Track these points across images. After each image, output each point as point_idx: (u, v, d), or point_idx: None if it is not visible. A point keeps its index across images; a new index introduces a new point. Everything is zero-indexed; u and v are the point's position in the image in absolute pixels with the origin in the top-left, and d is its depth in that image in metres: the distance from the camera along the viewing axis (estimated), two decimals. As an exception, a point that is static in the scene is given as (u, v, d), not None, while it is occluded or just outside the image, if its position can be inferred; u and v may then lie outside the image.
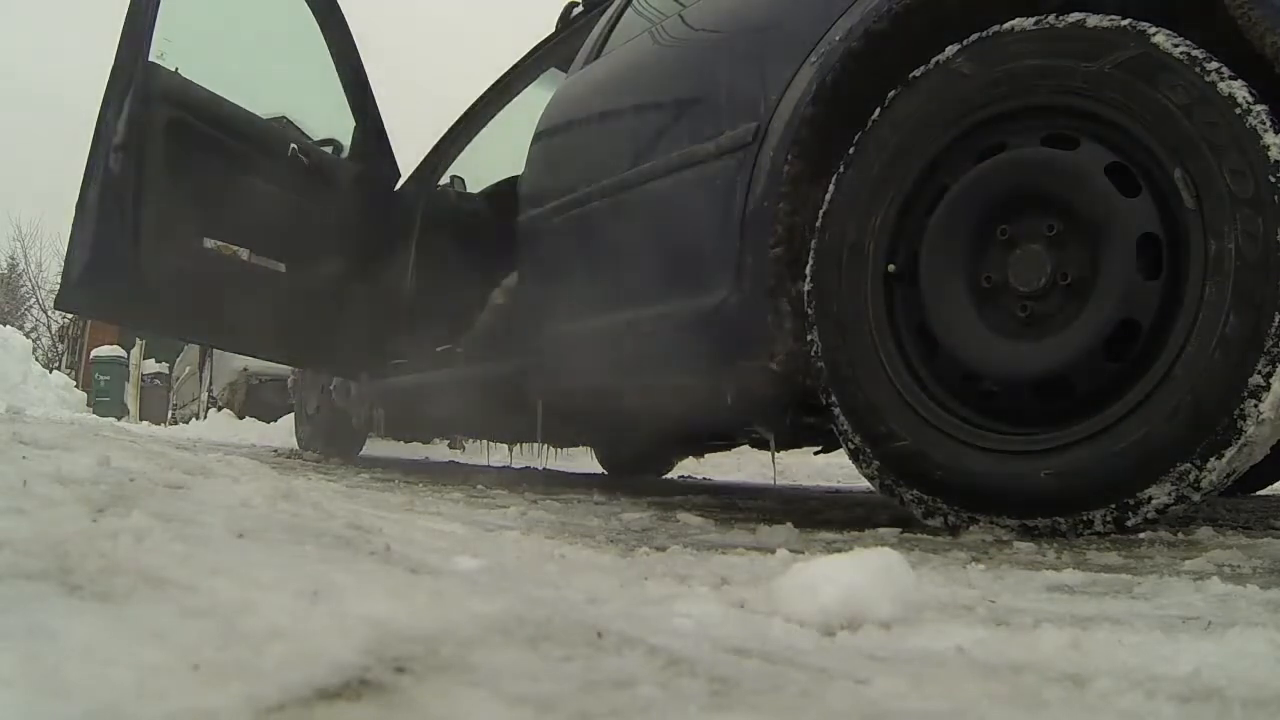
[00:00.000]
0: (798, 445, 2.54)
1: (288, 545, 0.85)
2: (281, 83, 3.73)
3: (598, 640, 0.65)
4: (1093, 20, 1.55)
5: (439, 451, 5.73)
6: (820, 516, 2.22)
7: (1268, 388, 1.34)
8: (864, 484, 1.91)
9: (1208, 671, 0.66)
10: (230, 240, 3.43)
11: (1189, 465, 1.39)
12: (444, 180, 4.06)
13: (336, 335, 3.54)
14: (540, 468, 4.31)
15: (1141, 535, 1.45)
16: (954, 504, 1.63)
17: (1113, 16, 1.54)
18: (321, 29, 3.52)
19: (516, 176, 3.03)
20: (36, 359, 13.78)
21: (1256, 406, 1.35)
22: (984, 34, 1.67)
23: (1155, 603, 0.97)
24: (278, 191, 3.30)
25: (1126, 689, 0.60)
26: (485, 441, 4.52)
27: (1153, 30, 1.49)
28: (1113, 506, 1.45)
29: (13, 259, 30.00)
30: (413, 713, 0.49)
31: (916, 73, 1.76)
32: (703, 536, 1.64)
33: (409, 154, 3.86)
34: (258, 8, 3.73)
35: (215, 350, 9.56)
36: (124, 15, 2.89)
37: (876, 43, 1.80)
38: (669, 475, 4.90)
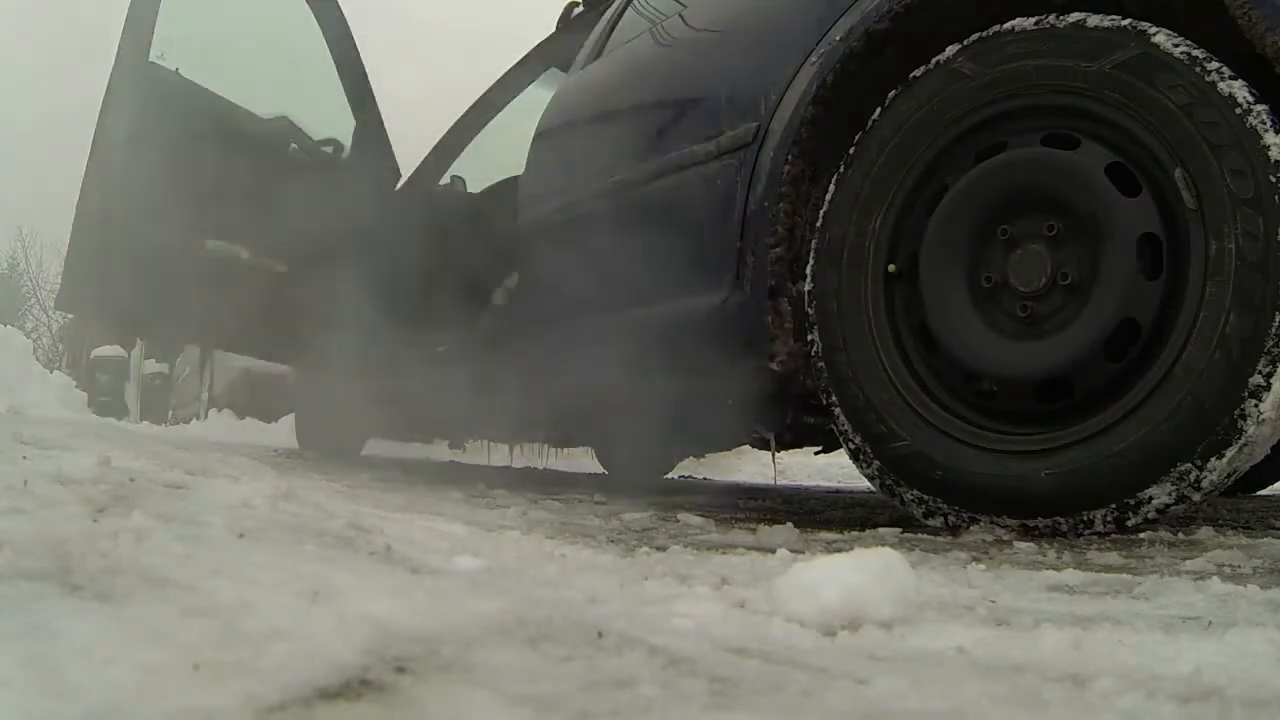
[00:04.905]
0: (798, 445, 2.53)
1: (288, 545, 0.85)
2: (281, 83, 3.73)
3: (598, 640, 0.65)
4: (1093, 20, 1.55)
5: (439, 451, 5.72)
6: (820, 516, 2.22)
7: (1268, 387, 1.34)
8: (864, 484, 1.91)
9: (1208, 671, 0.66)
10: (231, 240, 3.42)
11: (1189, 465, 1.39)
12: (444, 180, 4.06)
13: (337, 335, 3.54)
14: (540, 468, 4.30)
15: (1142, 535, 1.45)
16: (954, 504, 1.62)
17: (1113, 16, 1.54)
18: (321, 29, 3.52)
19: (516, 176, 3.03)
20: (36, 359, 13.76)
21: (1257, 406, 1.35)
22: (984, 34, 1.67)
23: (1156, 603, 0.97)
24: (278, 192, 3.30)
25: (1127, 689, 0.60)
26: (485, 441, 4.52)
27: (1153, 30, 1.49)
28: (1113, 506, 1.45)
29: (13, 259, 29.99)
30: (413, 713, 0.49)
31: (917, 73, 1.76)
32: (703, 536, 1.64)
33: (409, 154, 3.87)
34: (258, 8, 3.73)
35: (215, 350, 9.54)
36: (124, 15, 2.89)
37: (877, 42, 1.80)
38: (669, 475, 4.89)
